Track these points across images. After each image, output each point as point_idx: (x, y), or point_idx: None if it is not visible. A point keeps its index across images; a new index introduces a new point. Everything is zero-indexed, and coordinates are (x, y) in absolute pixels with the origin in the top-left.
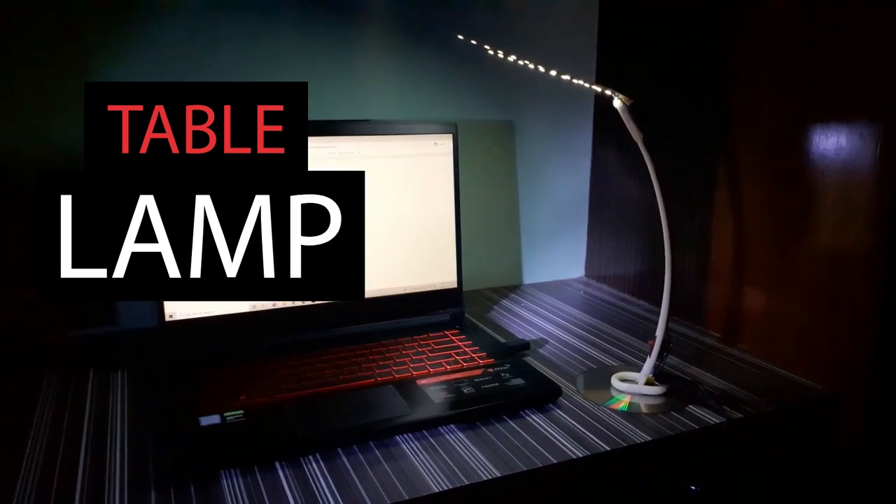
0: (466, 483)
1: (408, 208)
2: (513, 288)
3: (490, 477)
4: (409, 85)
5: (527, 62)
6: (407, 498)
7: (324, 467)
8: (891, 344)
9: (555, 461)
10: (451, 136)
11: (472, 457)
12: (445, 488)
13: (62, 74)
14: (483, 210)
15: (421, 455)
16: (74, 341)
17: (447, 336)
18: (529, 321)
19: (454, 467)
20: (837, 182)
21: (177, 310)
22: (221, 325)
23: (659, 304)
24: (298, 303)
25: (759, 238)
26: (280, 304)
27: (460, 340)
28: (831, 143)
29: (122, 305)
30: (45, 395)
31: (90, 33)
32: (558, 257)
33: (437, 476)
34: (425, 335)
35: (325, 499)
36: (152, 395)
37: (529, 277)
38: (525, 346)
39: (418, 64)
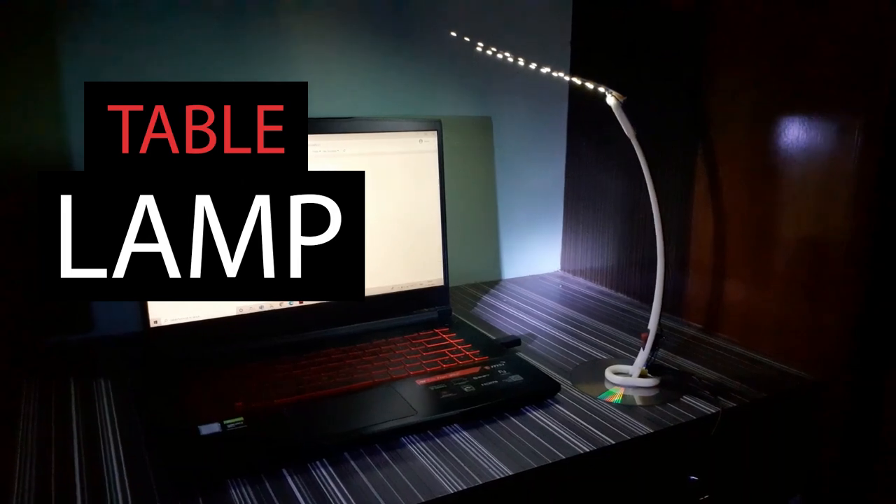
0: (480, 483)
1: (393, 206)
2: (492, 283)
3: (502, 475)
4: (386, 82)
5: (519, 59)
6: (423, 501)
7: (332, 472)
8: (870, 330)
9: (563, 457)
10: (435, 132)
11: (482, 456)
12: (460, 489)
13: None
14: (462, 206)
15: (430, 456)
16: (50, 349)
17: (438, 334)
18: (514, 317)
19: (465, 467)
20: (816, 173)
21: (162, 315)
22: (207, 330)
23: (637, 297)
24: (286, 304)
25: (738, 229)
26: (267, 306)
27: (452, 338)
28: (811, 135)
29: (100, 311)
30: (27, 407)
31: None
32: (535, 252)
33: (449, 477)
34: (415, 334)
35: None
36: (143, 404)
37: (508, 273)
38: (516, 342)
39: (396, 61)
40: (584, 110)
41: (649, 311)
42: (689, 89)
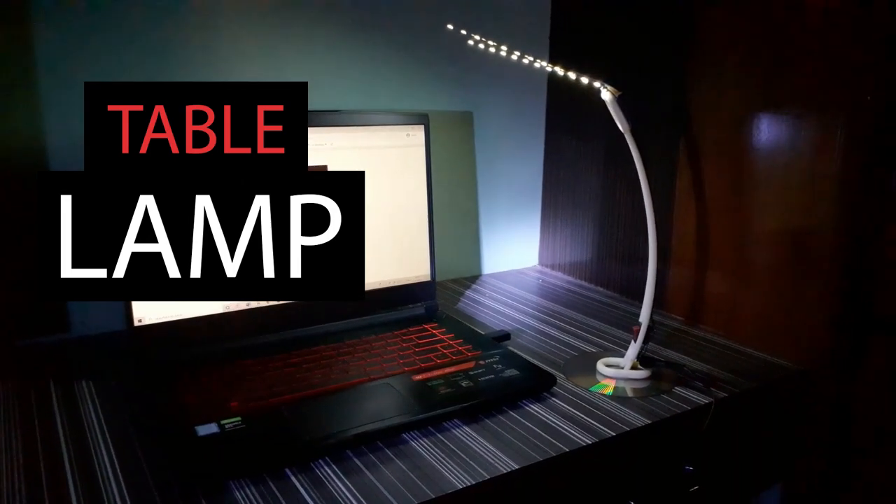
0: (488, 477)
1: (380, 200)
2: (473, 279)
3: (509, 469)
4: (369, 77)
5: (514, 54)
6: (433, 496)
7: (337, 470)
8: (851, 324)
9: (567, 449)
10: (422, 127)
11: (485, 450)
12: (469, 483)
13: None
14: (444, 201)
15: (434, 452)
16: (24, 351)
17: (427, 330)
18: (499, 311)
19: (471, 462)
20: (799, 169)
21: (146, 313)
22: (193, 328)
23: (617, 290)
24: (273, 302)
25: (721, 223)
26: (254, 304)
27: (442, 333)
28: (794, 133)
29: (76, 310)
30: (5, 413)
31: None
32: (514, 247)
33: (456, 472)
34: (404, 330)
35: (348, 502)
36: (133, 406)
37: (487, 268)
38: (506, 336)
39: (380, 56)
40: (562, 106)
41: (630, 303)
42: (673, 86)
